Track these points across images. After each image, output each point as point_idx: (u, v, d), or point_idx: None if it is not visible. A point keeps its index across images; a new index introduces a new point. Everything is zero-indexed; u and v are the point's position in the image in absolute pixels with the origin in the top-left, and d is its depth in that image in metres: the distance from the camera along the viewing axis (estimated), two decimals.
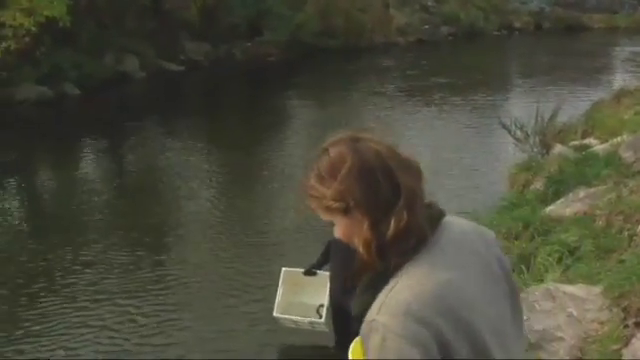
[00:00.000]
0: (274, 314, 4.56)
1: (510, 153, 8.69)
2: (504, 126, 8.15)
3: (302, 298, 4.63)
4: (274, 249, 6.74)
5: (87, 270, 6.38)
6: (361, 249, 1.36)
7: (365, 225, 1.35)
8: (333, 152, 1.41)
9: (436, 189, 6.17)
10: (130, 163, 11.35)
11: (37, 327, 5.38)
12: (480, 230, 1.50)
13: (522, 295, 3.86)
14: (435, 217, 1.40)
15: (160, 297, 5.84)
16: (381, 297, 1.32)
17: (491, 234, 1.52)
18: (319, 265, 4.47)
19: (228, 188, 9.29)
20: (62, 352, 5.03)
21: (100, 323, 5.40)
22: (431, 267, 1.33)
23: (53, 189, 10.09)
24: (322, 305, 4.36)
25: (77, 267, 6.45)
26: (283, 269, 4.71)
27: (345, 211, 1.38)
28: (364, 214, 1.36)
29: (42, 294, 5.89)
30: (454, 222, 1.44)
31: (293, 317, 4.50)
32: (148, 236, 7.26)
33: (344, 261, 4.08)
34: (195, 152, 11.03)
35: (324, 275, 4.39)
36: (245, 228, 7.42)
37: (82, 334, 5.24)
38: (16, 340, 5.21)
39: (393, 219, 1.32)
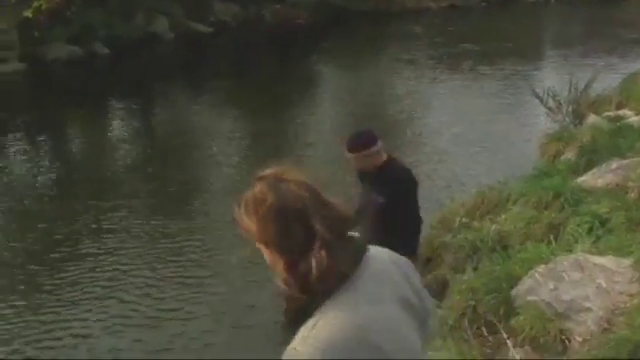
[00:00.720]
0: None
1: (541, 123, 8.54)
2: (536, 95, 7.99)
3: None
4: None
5: (111, 235, 6.39)
6: (282, 285, 1.40)
7: (281, 265, 1.40)
8: (257, 188, 1.44)
9: (466, 158, 6.16)
10: (157, 124, 11.40)
11: (59, 293, 5.37)
12: (397, 260, 1.53)
13: (550, 265, 3.84)
14: (358, 253, 1.43)
15: (184, 266, 5.83)
16: (304, 331, 1.35)
17: (408, 264, 1.55)
18: None
19: (255, 152, 9.28)
20: (82, 321, 5.01)
21: (122, 290, 5.39)
22: (354, 303, 1.37)
23: (81, 149, 10.21)
24: None
25: (101, 231, 6.48)
26: None
27: (266, 246, 1.43)
28: (279, 254, 1.40)
29: (66, 258, 5.89)
30: (374, 254, 1.47)
31: None
32: (174, 200, 7.31)
33: (372, 226, 4.06)
34: (222, 115, 11.04)
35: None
36: None
37: (103, 303, 5.20)
38: (37, 307, 5.21)
39: (313, 261, 1.34)
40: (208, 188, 7.95)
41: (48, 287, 5.46)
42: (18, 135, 10.09)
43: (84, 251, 6.04)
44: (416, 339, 1.47)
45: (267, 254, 1.44)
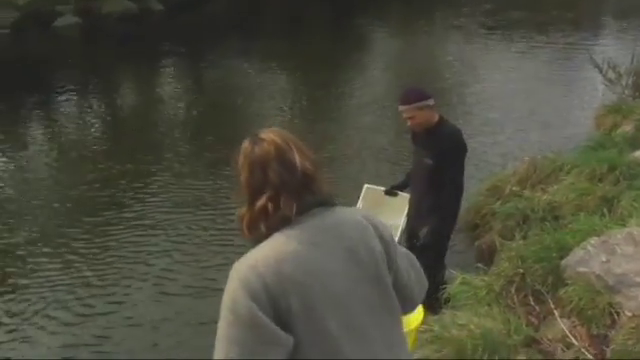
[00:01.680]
0: None
1: (598, 94, 8.26)
2: (596, 65, 7.69)
3: (380, 217, 4.51)
4: (351, 168, 6.69)
5: (155, 193, 6.46)
6: (239, 222, 1.76)
7: (246, 203, 1.74)
8: (243, 144, 1.80)
9: (518, 127, 6.00)
10: (207, 82, 11.45)
11: (98, 254, 5.37)
12: (361, 224, 1.78)
13: (602, 237, 3.74)
14: (308, 204, 1.71)
15: (227, 229, 5.81)
16: (246, 254, 1.69)
17: (370, 230, 1.78)
18: (401, 187, 4.40)
19: (306, 110, 9.28)
20: (125, 287, 4.97)
21: (163, 255, 5.36)
22: (286, 239, 1.66)
23: (129, 104, 10.35)
24: (398, 226, 4.28)
25: (145, 189, 6.55)
26: (365, 185, 4.61)
27: (242, 188, 1.78)
28: (246, 195, 1.75)
29: (108, 217, 5.93)
30: (334, 213, 1.76)
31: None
32: (220, 158, 7.35)
33: (421, 186, 4.04)
34: (273, 75, 11.01)
35: (404, 197, 4.31)
36: (321, 149, 7.40)
37: (145, 269, 5.17)
38: (79, 263, 5.26)
39: (259, 201, 1.69)
40: None
41: (90, 245, 5.49)
42: (70, 88, 10.29)
43: (127, 210, 6.06)
44: (361, 287, 1.71)
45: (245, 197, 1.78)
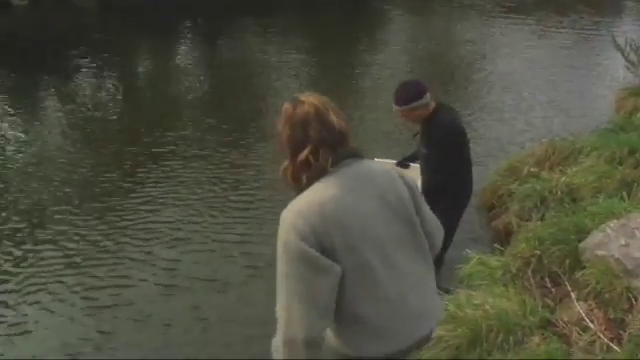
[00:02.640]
0: None
1: (619, 77, 8.09)
2: (617, 47, 7.52)
3: None
4: (364, 147, 6.60)
5: (173, 169, 6.41)
6: (282, 175, 2.02)
7: (287, 160, 1.99)
8: (285, 106, 2.04)
9: (537, 108, 5.86)
10: (222, 57, 11.36)
11: (116, 220, 5.38)
12: (389, 172, 2.07)
13: (622, 221, 3.66)
14: (342, 156, 1.95)
15: (239, 193, 5.86)
16: (291, 202, 1.94)
17: (397, 178, 2.07)
18: (412, 159, 4.32)
19: (319, 88, 9.15)
20: (147, 253, 4.96)
21: (180, 222, 5.36)
22: (325, 187, 1.91)
23: (145, 79, 10.28)
24: None
25: (158, 160, 6.52)
26: (375, 159, 4.54)
27: (284, 145, 2.02)
28: (288, 150, 1.99)
29: (124, 192, 5.89)
30: (364, 164, 2.01)
31: None
32: (234, 130, 7.31)
33: (423, 174, 3.96)
34: (289, 50, 10.89)
35: (415, 167, 4.21)
36: None
37: (163, 238, 5.17)
38: (93, 235, 5.26)
39: (301, 155, 1.94)
40: (268, 119, 7.93)
41: (105, 214, 5.48)
42: (85, 61, 10.25)
43: (140, 188, 5.96)
44: (382, 224, 1.95)
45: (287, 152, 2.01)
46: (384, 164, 4.33)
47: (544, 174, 4.81)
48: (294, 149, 1.97)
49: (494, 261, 3.87)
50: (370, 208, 1.94)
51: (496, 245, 4.30)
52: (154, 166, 6.35)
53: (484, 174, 5.76)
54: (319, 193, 1.90)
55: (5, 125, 7.61)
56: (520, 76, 9.03)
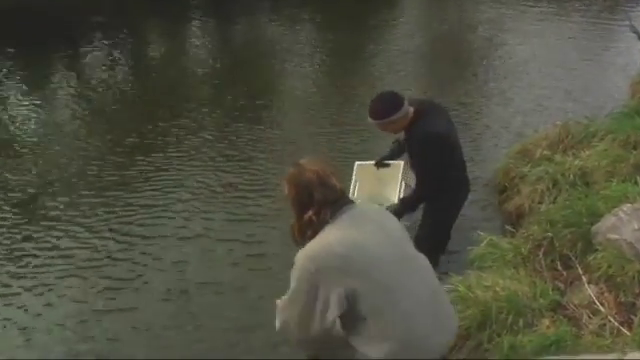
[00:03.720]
0: None
1: (635, 61, 7.98)
2: (634, 30, 7.41)
3: (377, 190, 4.35)
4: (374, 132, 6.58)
5: (184, 137, 6.48)
6: (291, 228, 2.39)
7: (294, 218, 2.35)
8: (292, 170, 2.39)
9: (550, 91, 5.76)
10: (234, 37, 11.29)
11: (123, 213, 5.28)
12: (381, 209, 2.64)
13: (635, 205, 3.61)
14: (339, 207, 2.29)
15: (252, 174, 5.86)
16: (304, 248, 2.27)
17: (389, 214, 2.56)
18: (390, 157, 4.21)
19: (329, 69, 9.12)
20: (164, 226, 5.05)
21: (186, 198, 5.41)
22: (327, 233, 2.24)
23: (157, 58, 10.19)
24: (396, 194, 4.08)
25: (170, 138, 6.53)
26: (356, 163, 4.41)
27: (291, 205, 2.38)
28: (295, 211, 2.35)
29: (134, 172, 5.88)
30: (359, 206, 2.37)
31: None
32: (246, 108, 7.28)
33: (417, 168, 3.87)
34: (301, 30, 10.82)
35: (396, 165, 4.15)
36: (344, 110, 7.29)
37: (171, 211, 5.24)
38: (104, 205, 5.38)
39: (306, 214, 2.29)
40: (279, 98, 7.89)
41: (116, 190, 5.52)
42: (97, 39, 10.24)
43: (150, 168, 5.94)
44: (386, 248, 2.26)
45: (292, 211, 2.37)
46: (368, 167, 4.32)
47: (557, 157, 4.75)
48: (300, 210, 2.31)
49: (505, 243, 3.84)
50: (373, 238, 2.25)
51: (508, 227, 4.28)
52: (164, 146, 6.35)
53: (496, 156, 5.73)
54: (324, 238, 2.23)
55: (13, 103, 7.61)
56: (535, 59, 8.91)
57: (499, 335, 3.02)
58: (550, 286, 3.33)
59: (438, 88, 7.98)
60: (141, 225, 4.97)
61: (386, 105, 3.59)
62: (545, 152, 4.94)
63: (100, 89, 8.21)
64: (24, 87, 8.33)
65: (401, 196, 4.03)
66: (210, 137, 6.56)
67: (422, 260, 2.39)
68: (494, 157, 5.79)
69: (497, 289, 3.22)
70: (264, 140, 6.49)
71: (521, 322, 3.04)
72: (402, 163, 4.11)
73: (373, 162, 4.29)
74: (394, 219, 2.45)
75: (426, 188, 3.78)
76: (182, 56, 10.00)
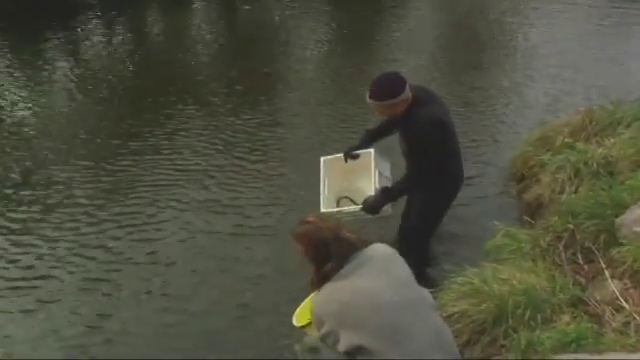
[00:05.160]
0: (322, 210, 3.98)
1: None
2: None
3: (351, 184, 4.24)
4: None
5: (187, 130, 6.43)
6: (310, 281, 2.61)
7: (313, 272, 2.58)
8: (305, 227, 2.63)
9: (573, 76, 5.63)
10: (239, 17, 11.18)
11: (125, 196, 5.43)
12: (388, 251, 2.61)
13: None
14: (349, 255, 2.52)
15: (261, 156, 5.85)
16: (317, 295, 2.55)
17: (397, 256, 2.61)
18: (358, 147, 4.05)
19: (344, 51, 9.02)
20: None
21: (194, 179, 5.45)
22: (334, 282, 2.48)
23: (160, 37, 10.13)
24: (371, 186, 3.90)
25: (175, 118, 6.53)
26: (321, 159, 4.23)
27: (308, 260, 2.60)
28: (313, 265, 2.57)
29: (140, 145, 5.93)
30: (367, 251, 2.55)
31: (344, 209, 3.98)
32: (257, 86, 7.22)
33: (413, 155, 3.75)
34: (312, 11, 10.68)
35: (366, 153, 4.01)
36: (353, 91, 7.20)
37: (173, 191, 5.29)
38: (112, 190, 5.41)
39: (325, 267, 2.51)
40: (288, 81, 7.82)
41: (110, 173, 5.52)
42: (96, 17, 10.16)
43: (152, 149, 5.96)
44: (391, 292, 2.42)
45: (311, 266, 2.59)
46: (335, 161, 4.19)
47: (579, 145, 4.65)
48: (319, 264, 2.53)
49: (523, 234, 3.78)
50: (376, 284, 2.43)
51: (526, 218, 4.21)
52: (164, 126, 6.31)
53: (514, 143, 5.64)
54: (328, 287, 2.48)
55: (9, 82, 7.55)
56: (558, 41, 8.78)
57: (515, 331, 2.96)
58: (570, 280, 3.26)
59: (453, 72, 7.88)
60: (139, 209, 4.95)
61: (389, 86, 3.50)
62: (567, 139, 4.83)
63: (96, 67, 8.14)
64: (15, 67, 8.24)
65: (377, 186, 3.87)
66: (213, 120, 6.53)
67: (426, 299, 2.55)
68: (512, 144, 5.70)
69: (514, 282, 3.16)
70: (268, 120, 6.47)
71: (539, 318, 2.98)
72: (372, 151, 3.98)
73: (340, 155, 4.11)
74: (400, 262, 2.58)
75: (422, 175, 3.68)
76: (183, 37, 9.91)
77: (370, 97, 3.52)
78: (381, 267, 2.50)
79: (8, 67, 8.28)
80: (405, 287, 2.50)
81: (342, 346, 2.39)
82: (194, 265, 4.35)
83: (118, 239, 4.65)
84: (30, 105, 7.05)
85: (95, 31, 9.68)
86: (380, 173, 3.98)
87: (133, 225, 4.81)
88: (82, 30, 9.64)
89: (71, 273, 4.32)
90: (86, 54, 8.87)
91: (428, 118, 3.52)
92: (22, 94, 7.29)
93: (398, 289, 2.45)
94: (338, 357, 2.44)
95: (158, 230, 4.73)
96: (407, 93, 3.49)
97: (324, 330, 2.46)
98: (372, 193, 3.81)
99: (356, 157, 4.04)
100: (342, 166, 4.11)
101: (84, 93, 7.34)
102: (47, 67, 8.32)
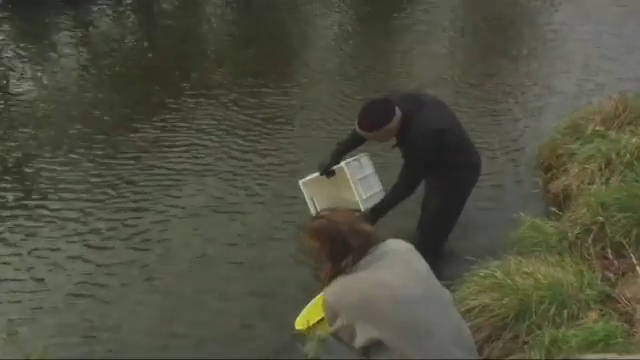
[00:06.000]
0: None
1: None
2: None
3: (340, 197, 4.21)
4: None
5: (195, 102, 6.39)
6: (324, 276, 2.52)
7: (328, 267, 2.50)
8: (317, 222, 2.56)
9: (606, 62, 5.47)
10: None
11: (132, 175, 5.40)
12: (406, 245, 2.55)
13: None
14: (367, 248, 2.45)
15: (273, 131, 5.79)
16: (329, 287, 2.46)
17: (414, 250, 2.55)
18: (331, 164, 4.04)
19: (359, 41, 8.91)
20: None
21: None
22: (353, 273, 2.41)
23: (170, 14, 10.04)
24: (355, 198, 4.03)
25: (183, 100, 6.44)
26: (300, 182, 4.31)
27: (325, 257, 2.53)
28: (329, 260, 2.50)
29: (145, 134, 5.77)
30: (385, 245, 2.49)
31: None
32: (262, 73, 7.15)
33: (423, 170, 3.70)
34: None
35: (340, 168, 4.04)
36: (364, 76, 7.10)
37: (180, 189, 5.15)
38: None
39: (343, 262, 2.44)
40: (303, 60, 7.76)
41: (118, 156, 5.38)
42: None
43: (163, 131, 5.82)
44: (412, 285, 2.36)
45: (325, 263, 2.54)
46: (314, 181, 4.23)
47: (611, 134, 4.53)
48: (336, 260, 2.45)
49: (549, 227, 3.68)
50: (396, 277, 2.36)
51: (552, 209, 4.10)
52: (175, 108, 6.23)
53: (542, 131, 5.52)
54: (344, 279, 2.41)
55: (16, 61, 7.50)
56: (590, 24, 8.61)
57: (539, 327, 2.87)
58: (599, 276, 3.17)
59: (477, 58, 7.76)
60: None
61: (375, 117, 3.44)
62: (598, 128, 4.71)
63: (105, 47, 8.06)
64: (22, 43, 8.19)
65: (364, 196, 4.05)
66: (225, 100, 6.45)
67: (446, 294, 2.50)
68: (539, 132, 5.58)
69: (539, 276, 3.07)
70: (281, 102, 6.40)
71: (565, 314, 2.90)
72: (343, 164, 4.05)
73: (317, 174, 4.15)
74: (418, 256, 2.52)
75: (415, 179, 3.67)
76: (197, 15, 9.83)
77: (362, 128, 3.47)
78: (401, 260, 2.45)
79: (14, 40, 8.22)
80: (425, 281, 2.43)
81: (359, 341, 2.32)
82: (199, 267, 4.14)
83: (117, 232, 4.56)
84: (35, 78, 7.00)
85: (106, 10, 9.59)
86: (363, 177, 4.17)
87: (134, 226, 4.53)
88: (92, 9, 9.56)
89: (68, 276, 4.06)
90: (96, 35, 8.79)
91: (423, 135, 3.44)
92: (32, 74, 7.22)
93: (419, 283, 2.39)
94: (349, 350, 2.37)
95: (162, 231, 4.47)
96: (398, 112, 3.43)
97: (338, 324, 2.37)
98: (360, 203, 4.01)
99: (332, 173, 4.11)
100: (324, 183, 4.21)
101: (95, 74, 7.25)
102: (56, 47, 8.18)
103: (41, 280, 3.93)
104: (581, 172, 4.30)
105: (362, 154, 4.27)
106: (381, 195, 4.09)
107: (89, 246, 4.24)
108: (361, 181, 4.14)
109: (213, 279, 3.96)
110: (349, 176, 4.04)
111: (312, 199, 4.31)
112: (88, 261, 4.09)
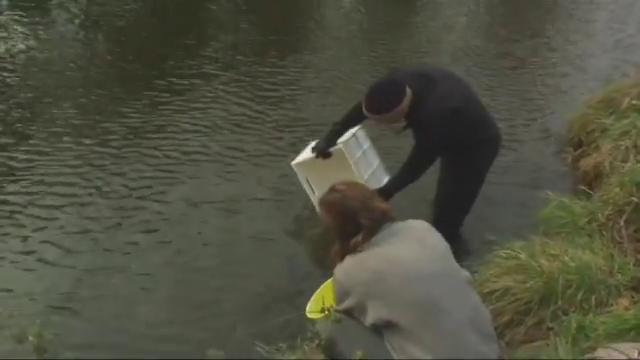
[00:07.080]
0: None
1: None
2: None
3: (338, 177, 4.05)
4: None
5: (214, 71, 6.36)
6: (334, 254, 2.53)
7: (337, 244, 2.51)
8: (332, 195, 2.55)
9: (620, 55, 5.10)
10: None
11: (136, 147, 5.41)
12: (423, 223, 2.51)
13: None
14: (380, 226, 2.42)
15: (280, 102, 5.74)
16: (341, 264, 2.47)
17: (433, 229, 2.50)
18: (328, 145, 3.87)
19: (375, 35, 8.76)
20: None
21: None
22: (365, 250, 2.39)
23: None
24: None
25: (186, 77, 6.37)
26: (292, 164, 4.12)
27: (333, 232, 2.56)
28: (338, 236, 2.52)
29: (145, 103, 5.74)
30: (399, 224, 2.45)
31: None
32: (273, 47, 7.06)
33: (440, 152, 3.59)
34: None
35: (336, 150, 3.86)
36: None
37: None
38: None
39: (353, 239, 2.42)
40: (311, 43, 7.65)
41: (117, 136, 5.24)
42: None
43: (163, 101, 5.79)
44: (426, 263, 2.32)
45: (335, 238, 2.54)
46: (308, 161, 4.02)
47: None
48: (345, 237, 2.44)
49: (578, 207, 3.57)
50: (410, 254, 2.32)
51: (582, 187, 3.99)
52: (178, 86, 6.15)
53: (573, 105, 5.39)
54: (358, 256, 2.38)
55: (16, 35, 7.41)
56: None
57: (565, 313, 2.78)
58: (631, 260, 3.06)
59: (507, 32, 7.60)
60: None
61: (385, 99, 3.30)
62: (634, 102, 4.58)
63: (108, 23, 7.97)
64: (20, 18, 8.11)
65: (365, 177, 3.90)
66: (229, 76, 6.38)
67: (464, 274, 2.44)
68: (569, 106, 5.45)
69: (566, 259, 2.98)
70: (287, 77, 6.34)
71: (593, 300, 2.80)
72: (342, 146, 3.88)
73: (310, 155, 3.98)
74: (437, 234, 2.47)
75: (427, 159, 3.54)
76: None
77: (370, 111, 3.34)
78: (416, 237, 2.41)
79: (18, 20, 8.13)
80: (442, 259, 2.38)
81: (369, 319, 2.29)
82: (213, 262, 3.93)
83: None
84: (41, 49, 6.95)
85: None
86: (362, 154, 4.05)
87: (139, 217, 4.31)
88: None
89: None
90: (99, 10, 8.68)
91: (439, 115, 3.30)
92: (26, 30, 7.15)
93: (435, 260, 2.35)
94: (364, 331, 2.32)
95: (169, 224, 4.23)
96: (409, 92, 3.29)
97: (349, 302, 2.36)
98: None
99: (329, 155, 3.93)
100: (318, 167, 4.04)
101: (97, 51, 7.16)
102: (56, 21, 8.11)
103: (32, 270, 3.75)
104: (614, 149, 4.18)
105: (357, 127, 4.07)
106: (381, 168, 4.02)
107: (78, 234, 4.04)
108: (360, 159, 4.01)
109: (210, 270, 3.75)
110: (349, 158, 3.91)
111: (307, 180, 4.16)
112: (73, 251, 3.87)
